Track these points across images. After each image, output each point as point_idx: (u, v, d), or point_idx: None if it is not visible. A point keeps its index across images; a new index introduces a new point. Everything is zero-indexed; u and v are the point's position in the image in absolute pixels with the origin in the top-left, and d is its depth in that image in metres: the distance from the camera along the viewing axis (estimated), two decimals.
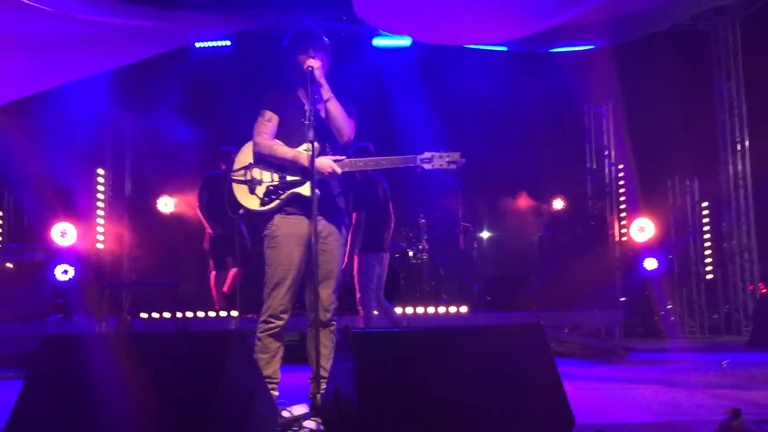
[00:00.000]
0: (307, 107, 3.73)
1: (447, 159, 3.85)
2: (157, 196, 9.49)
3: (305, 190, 3.81)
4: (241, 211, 3.99)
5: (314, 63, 3.80)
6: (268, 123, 3.94)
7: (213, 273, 7.81)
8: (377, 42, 9.14)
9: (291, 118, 3.91)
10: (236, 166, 3.96)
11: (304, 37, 3.96)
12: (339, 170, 3.82)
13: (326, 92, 3.85)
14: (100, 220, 8.93)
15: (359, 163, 3.88)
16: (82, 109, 8.52)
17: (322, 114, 3.90)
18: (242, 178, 3.91)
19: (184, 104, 8.97)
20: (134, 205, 9.41)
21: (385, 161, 3.86)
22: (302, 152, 3.83)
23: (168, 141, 8.88)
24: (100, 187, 9.00)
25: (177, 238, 8.93)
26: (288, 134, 3.91)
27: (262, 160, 3.91)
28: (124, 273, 8.80)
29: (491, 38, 7.06)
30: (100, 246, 8.82)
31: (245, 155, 3.97)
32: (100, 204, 8.97)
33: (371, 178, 6.23)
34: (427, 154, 3.85)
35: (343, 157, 3.87)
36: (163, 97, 8.98)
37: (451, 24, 6.65)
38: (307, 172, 3.78)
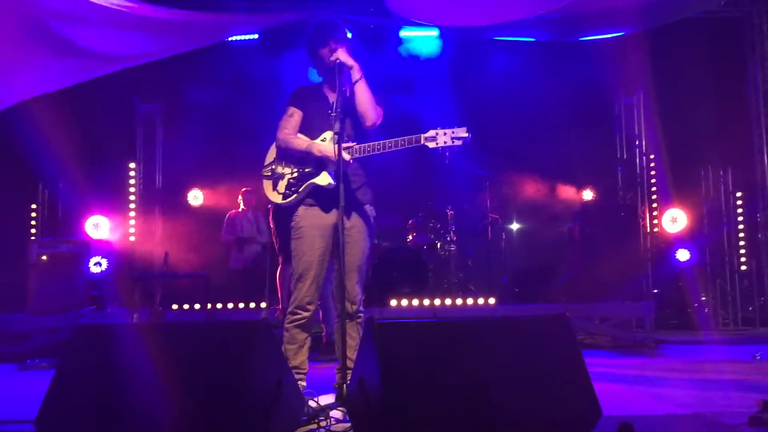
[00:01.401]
0: (332, 99, 3.75)
1: (452, 135, 3.73)
2: (187, 189, 9.61)
3: (320, 179, 3.86)
4: (270, 205, 4.07)
5: (338, 54, 3.81)
6: (290, 118, 3.98)
7: (280, 268, 7.01)
8: (404, 34, 9.12)
9: (314, 110, 3.94)
10: (265, 162, 4.04)
11: (324, 30, 3.98)
12: (348, 157, 3.75)
13: (356, 72, 3.83)
14: (132, 213, 9.07)
15: (367, 149, 3.81)
16: (115, 103, 8.66)
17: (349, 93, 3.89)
18: (268, 174, 3.99)
19: (214, 98, 9.06)
20: (165, 199, 9.53)
21: (391, 143, 3.79)
22: (315, 142, 3.86)
23: (198, 135, 8.98)
24: (132, 181, 9.14)
25: (207, 231, 9.03)
26: (310, 126, 3.95)
27: (283, 154, 3.97)
28: (156, 265, 8.93)
29: (519, 14, 7.00)
30: (132, 239, 8.96)
31: (272, 152, 4.04)
32: (132, 197, 9.11)
33: None
34: (431, 132, 3.75)
35: (353, 144, 3.84)
36: (194, 91, 9.09)
37: (480, 3, 6.62)
38: (320, 163, 3.85)
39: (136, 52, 6.33)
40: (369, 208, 4.05)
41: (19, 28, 5.06)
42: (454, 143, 3.75)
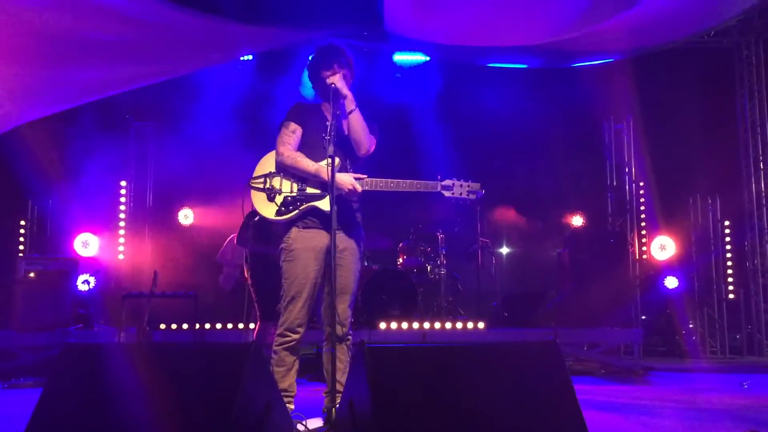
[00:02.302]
0: (328, 122, 3.78)
1: (467, 189, 3.93)
2: (178, 208, 9.58)
3: (324, 204, 3.85)
4: (256, 218, 4.05)
5: (334, 79, 3.86)
6: (292, 134, 3.99)
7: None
8: (398, 58, 9.20)
9: (314, 132, 3.95)
10: (256, 173, 4.02)
11: (329, 53, 4.02)
12: (359, 188, 3.86)
13: (350, 103, 3.89)
14: (122, 231, 9.03)
15: (380, 184, 3.90)
16: (108, 121, 8.66)
17: (345, 131, 3.95)
18: (261, 186, 3.96)
19: (207, 118, 9.06)
20: (155, 217, 9.49)
21: (406, 184, 3.89)
22: (324, 167, 3.86)
23: (190, 154, 8.97)
24: (123, 199, 9.11)
25: (197, 250, 8.99)
26: (310, 148, 3.96)
27: (284, 170, 3.97)
28: (144, 284, 8.88)
29: (515, 40, 7.10)
30: (121, 257, 8.91)
31: (266, 164, 4.03)
32: (122, 215, 9.07)
33: None
34: (448, 182, 3.93)
35: (365, 176, 3.90)
36: (187, 110, 9.09)
37: (477, 26, 6.71)
38: (327, 187, 3.82)
39: (129, 75, 6.35)
40: (361, 231, 4.09)
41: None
42: (469, 197, 3.94)
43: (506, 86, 8.95)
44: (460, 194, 3.91)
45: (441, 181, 3.93)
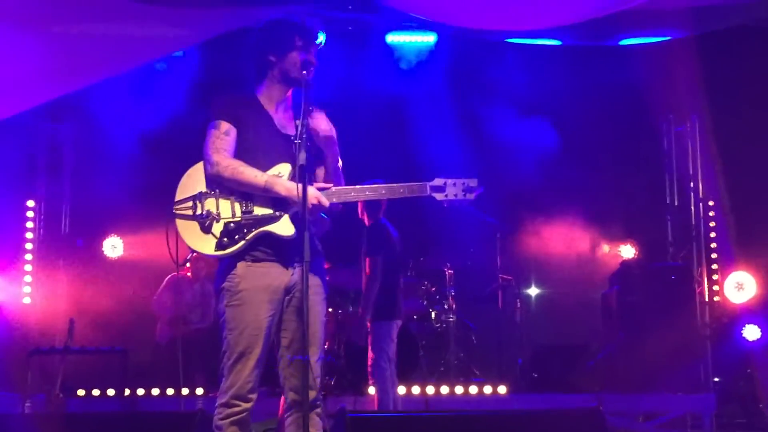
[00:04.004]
0: (277, 118, 3.76)
1: (462, 186, 3.80)
2: (103, 236, 9.55)
3: (281, 227, 3.74)
4: (189, 256, 3.96)
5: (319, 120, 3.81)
6: (225, 137, 3.81)
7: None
8: (393, 39, 9.19)
9: (255, 132, 3.85)
10: (180, 195, 3.79)
11: (304, 29, 3.95)
12: (326, 202, 3.79)
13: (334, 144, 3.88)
14: (28, 267, 8.98)
15: (351, 193, 3.83)
16: (9, 120, 8.63)
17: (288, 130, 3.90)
18: (190, 213, 3.82)
19: (142, 119, 9.02)
20: (73, 248, 9.45)
21: (385, 189, 3.82)
22: (278, 179, 3.77)
23: (120, 165, 8.93)
24: (30, 224, 9.08)
25: (127, 292, 8.95)
26: (252, 154, 3.81)
27: (220, 185, 3.83)
28: (58, 336, 8.83)
29: (543, 23, 7.15)
30: (26, 300, 8.86)
31: (192, 181, 3.81)
32: (28, 246, 9.03)
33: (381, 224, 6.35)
34: (438, 181, 3.80)
35: (330, 185, 3.83)
36: (115, 109, 9.04)
37: (496, 5, 6.76)
38: (281, 204, 3.70)
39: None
40: (323, 263, 4.08)
41: None
42: (466, 197, 3.80)
43: (533, 74, 8.98)
44: (455, 196, 3.78)
45: (430, 181, 3.82)
